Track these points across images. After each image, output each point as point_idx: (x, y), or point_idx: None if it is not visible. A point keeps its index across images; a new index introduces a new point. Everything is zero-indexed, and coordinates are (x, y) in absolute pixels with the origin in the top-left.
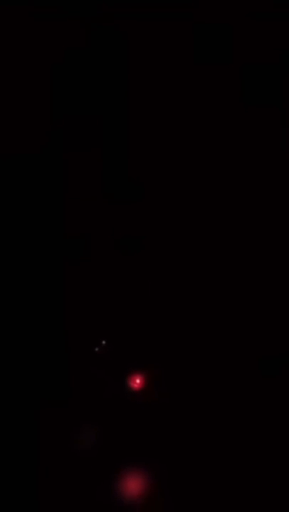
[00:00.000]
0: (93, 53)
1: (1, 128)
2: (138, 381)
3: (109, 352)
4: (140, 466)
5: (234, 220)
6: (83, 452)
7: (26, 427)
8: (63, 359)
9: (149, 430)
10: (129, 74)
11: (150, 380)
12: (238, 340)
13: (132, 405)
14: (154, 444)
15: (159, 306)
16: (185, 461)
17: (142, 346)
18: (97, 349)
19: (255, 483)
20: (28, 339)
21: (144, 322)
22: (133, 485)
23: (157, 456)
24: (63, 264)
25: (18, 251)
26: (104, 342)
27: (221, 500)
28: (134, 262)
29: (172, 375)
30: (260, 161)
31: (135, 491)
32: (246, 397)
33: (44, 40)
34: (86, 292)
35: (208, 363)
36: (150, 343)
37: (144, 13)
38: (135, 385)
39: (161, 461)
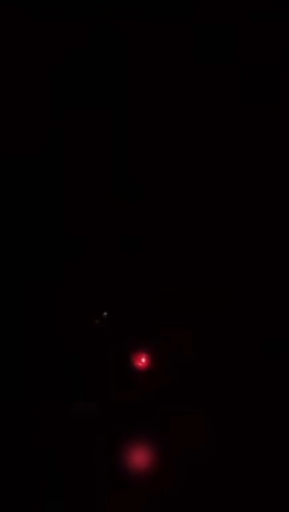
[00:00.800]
0: (93, 53)
1: (0, 128)
2: (143, 360)
3: (114, 331)
4: (144, 440)
5: (234, 219)
6: (86, 426)
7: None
8: (62, 356)
9: (154, 405)
10: (129, 74)
11: (155, 359)
12: (241, 322)
13: (137, 383)
14: (159, 418)
15: (159, 297)
16: (190, 434)
17: (146, 328)
18: (97, 321)
19: (257, 455)
20: (27, 338)
21: (148, 307)
22: (138, 458)
23: (162, 429)
24: (63, 264)
25: (19, 251)
26: (105, 314)
27: (224, 473)
28: (134, 261)
29: (178, 353)
30: (260, 161)
31: (140, 464)
32: (250, 374)
33: (44, 40)
34: (86, 292)
35: (212, 343)
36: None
37: (144, 13)
38: (140, 364)
39: (166, 434)
